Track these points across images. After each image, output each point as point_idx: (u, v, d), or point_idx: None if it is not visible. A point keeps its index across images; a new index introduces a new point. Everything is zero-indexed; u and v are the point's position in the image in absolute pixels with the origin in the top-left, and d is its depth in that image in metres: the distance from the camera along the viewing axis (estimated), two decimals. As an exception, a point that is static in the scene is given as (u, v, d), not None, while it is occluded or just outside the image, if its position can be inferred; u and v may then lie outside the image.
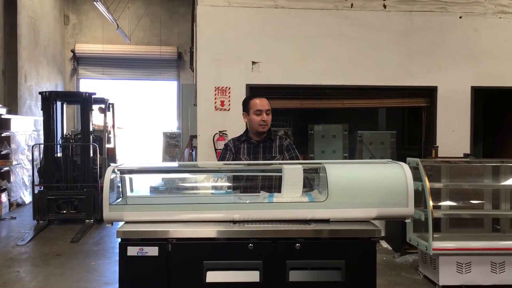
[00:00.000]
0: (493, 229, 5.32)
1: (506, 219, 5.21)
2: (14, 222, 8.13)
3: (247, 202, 2.72)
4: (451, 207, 5.22)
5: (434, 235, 4.71)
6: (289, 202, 2.62)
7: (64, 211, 7.83)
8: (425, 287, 4.92)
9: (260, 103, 3.40)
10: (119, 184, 2.79)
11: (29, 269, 5.63)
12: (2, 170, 8.81)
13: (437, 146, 6.59)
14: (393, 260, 5.81)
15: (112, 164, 2.67)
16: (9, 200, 8.93)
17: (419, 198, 4.91)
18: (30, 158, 8.92)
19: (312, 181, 3.07)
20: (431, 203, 4.74)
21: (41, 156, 8.17)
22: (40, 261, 5.85)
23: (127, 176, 2.79)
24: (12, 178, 9.12)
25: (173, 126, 13.97)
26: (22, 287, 4.95)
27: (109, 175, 2.53)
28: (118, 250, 2.46)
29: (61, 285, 5.02)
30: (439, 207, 5.11)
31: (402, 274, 5.31)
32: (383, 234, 6.21)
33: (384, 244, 6.35)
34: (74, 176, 7.98)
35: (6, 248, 6.46)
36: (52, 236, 7.13)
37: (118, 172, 2.72)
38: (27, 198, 9.60)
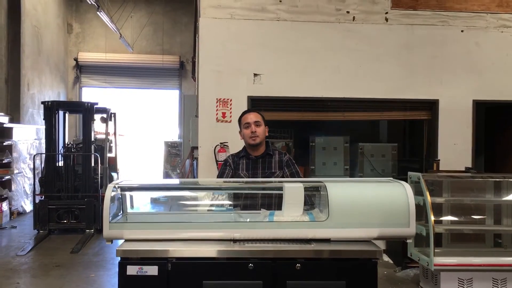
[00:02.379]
0: (495, 243, 5.29)
1: (508, 234, 5.18)
2: (14, 231, 8.12)
3: (248, 220, 2.72)
4: (452, 222, 5.20)
5: (435, 250, 4.69)
6: (290, 222, 2.61)
7: (65, 221, 7.82)
8: (426, 303, 4.88)
9: (248, 116, 3.41)
10: (120, 199, 2.79)
11: (29, 281, 5.62)
12: (3, 179, 8.81)
13: (439, 160, 6.57)
14: (394, 274, 5.77)
15: (113, 182, 2.66)
16: (10, 208, 8.93)
17: (421, 212, 4.89)
18: (32, 167, 8.93)
19: (313, 198, 3.06)
20: (432, 218, 4.72)
21: (42, 165, 8.18)
22: (39, 272, 5.84)
23: (127, 193, 2.79)
24: (13, 187, 9.12)
25: (174, 135, 13.99)
26: (21, 299, 4.95)
27: (109, 193, 2.52)
28: (118, 261, 2.46)
29: (61, 297, 5.02)
30: (440, 222, 5.09)
31: (403, 289, 5.28)
32: (384, 247, 6.18)
33: (385, 257, 6.31)
34: (75, 185, 7.98)
35: (6, 258, 6.44)
36: (52, 246, 7.12)
37: (119, 189, 2.72)
38: (28, 206, 9.60)
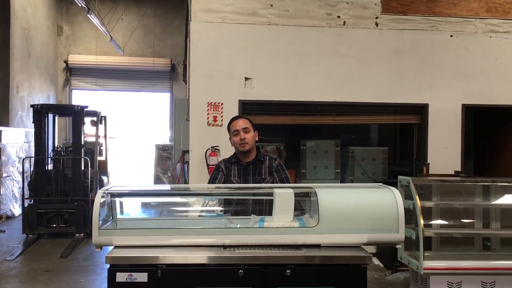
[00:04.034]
0: (484, 246, 5.33)
1: (497, 238, 5.22)
2: (3, 236, 8.04)
3: (238, 226, 2.72)
4: (442, 226, 5.23)
5: (425, 254, 4.71)
6: (280, 227, 2.62)
7: (54, 225, 7.76)
8: (416, 307, 4.90)
9: (236, 123, 3.42)
10: (110, 205, 2.77)
11: (18, 286, 5.55)
12: (-9, 183, 8.74)
13: (428, 163, 6.62)
14: (384, 278, 5.80)
15: (102, 188, 2.65)
16: (-2, 213, 8.86)
17: (411, 216, 4.92)
18: (21, 170, 8.86)
19: (303, 203, 3.07)
20: (422, 222, 4.74)
21: (31, 169, 8.11)
22: (28, 278, 5.78)
23: (117, 199, 2.78)
24: (1, 191, 9.04)
25: (165, 138, 13.94)
26: (9, 305, 4.89)
27: (99, 199, 2.51)
28: (107, 268, 2.44)
29: (50, 303, 4.97)
30: (430, 226, 5.11)
31: (393, 293, 5.31)
32: (374, 251, 6.21)
33: (375, 261, 6.33)
34: (64, 189, 7.92)
35: (-5, 263, 6.39)
36: (42, 250, 7.06)
37: (108, 195, 2.70)
38: (17, 210, 9.52)
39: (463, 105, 6.83)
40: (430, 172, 6.53)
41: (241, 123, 3.39)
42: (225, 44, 6.47)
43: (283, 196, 2.73)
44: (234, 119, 3.49)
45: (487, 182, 5.20)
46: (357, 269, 2.48)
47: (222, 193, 3.12)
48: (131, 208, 2.97)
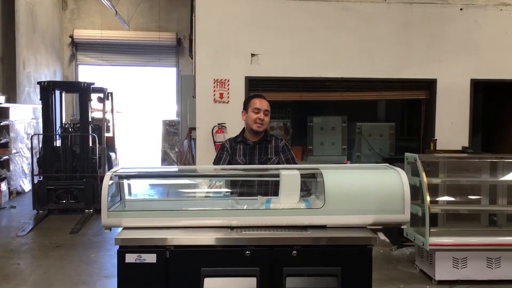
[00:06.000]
0: (490, 221, 5.35)
1: (503, 214, 5.24)
2: (14, 211, 8.18)
3: (245, 208, 2.74)
4: (448, 202, 5.25)
5: (431, 230, 4.75)
6: (286, 209, 2.63)
7: (64, 201, 7.87)
8: (422, 282, 4.97)
9: (260, 102, 3.43)
10: (118, 186, 2.80)
11: (29, 262, 5.69)
12: (1, 159, 8.83)
13: (436, 139, 6.60)
14: (390, 253, 5.87)
15: (111, 170, 2.67)
16: (8, 188, 8.97)
17: (417, 193, 4.94)
18: (29, 146, 8.95)
19: (309, 184, 3.08)
20: (428, 199, 4.77)
21: (40, 146, 8.18)
22: (40, 253, 5.91)
23: (125, 181, 2.80)
24: (11, 167, 9.14)
25: (172, 113, 13.94)
26: (22, 280, 5.01)
27: (107, 181, 2.53)
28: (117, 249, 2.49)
29: (61, 277, 5.08)
30: (436, 202, 5.14)
31: (399, 268, 5.37)
32: (380, 226, 6.26)
33: (381, 236, 6.40)
34: (73, 166, 8.00)
35: (7, 239, 6.51)
36: (52, 226, 7.19)
37: (117, 177, 2.73)
38: (27, 186, 9.64)
39: (472, 80, 6.76)
40: (437, 148, 6.51)
41: (265, 105, 3.41)
42: (231, 19, 6.40)
43: (290, 177, 2.74)
44: (258, 96, 3.49)
45: (494, 158, 5.19)
46: (363, 249, 2.50)
47: (229, 174, 3.13)
48: (139, 190, 3.00)
